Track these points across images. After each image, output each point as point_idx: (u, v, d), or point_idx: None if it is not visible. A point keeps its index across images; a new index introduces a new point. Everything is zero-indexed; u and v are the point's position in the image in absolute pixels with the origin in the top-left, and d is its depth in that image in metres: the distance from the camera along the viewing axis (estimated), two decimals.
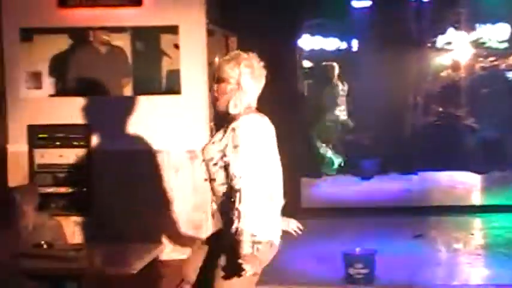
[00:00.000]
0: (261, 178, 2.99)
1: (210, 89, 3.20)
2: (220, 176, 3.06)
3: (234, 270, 2.91)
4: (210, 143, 3.10)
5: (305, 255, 5.95)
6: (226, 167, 3.02)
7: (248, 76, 3.06)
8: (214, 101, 3.10)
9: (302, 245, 6.16)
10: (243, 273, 2.87)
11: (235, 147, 2.97)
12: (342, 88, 10.06)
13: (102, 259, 3.97)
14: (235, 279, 2.95)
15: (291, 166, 7.27)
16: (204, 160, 3.11)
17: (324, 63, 10.34)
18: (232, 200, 2.97)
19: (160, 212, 5.80)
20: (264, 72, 3.16)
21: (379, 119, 9.67)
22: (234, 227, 2.93)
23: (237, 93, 3.04)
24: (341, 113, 9.98)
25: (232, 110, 3.05)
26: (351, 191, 8.71)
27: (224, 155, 3.01)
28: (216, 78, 3.08)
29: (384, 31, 9.87)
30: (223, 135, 3.04)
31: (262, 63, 3.16)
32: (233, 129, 3.00)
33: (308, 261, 5.75)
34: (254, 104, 3.14)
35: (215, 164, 3.05)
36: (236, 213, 2.93)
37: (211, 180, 3.11)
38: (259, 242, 2.95)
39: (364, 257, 5.26)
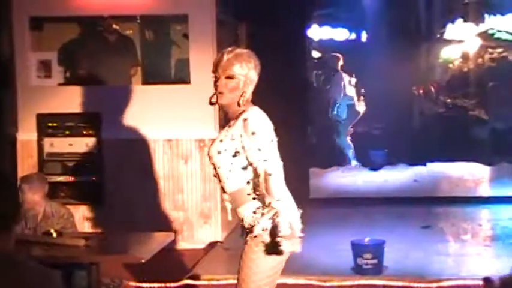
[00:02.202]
0: (279, 162, 3.12)
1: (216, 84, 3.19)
2: (236, 169, 3.12)
3: (271, 251, 3.03)
4: (217, 140, 3.20)
5: (314, 245, 5.93)
6: (241, 158, 3.10)
7: (254, 72, 3.23)
8: (218, 95, 3.20)
9: (311, 235, 6.16)
10: (282, 251, 3.02)
11: (253, 133, 3.07)
12: (349, 79, 10.03)
13: (112, 248, 3.98)
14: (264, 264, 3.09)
15: (300, 156, 7.36)
16: (211, 158, 3.19)
17: (331, 53, 10.30)
18: (257, 185, 3.06)
19: (170, 200, 5.81)
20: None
21: (388, 110, 9.65)
22: (269, 209, 3.02)
23: (246, 88, 3.20)
24: (349, 102, 9.96)
25: (241, 103, 3.19)
26: (360, 182, 8.70)
27: (239, 146, 3.10)
28: (221, 73, 3.18)
29: (393, 22, 9.85)
30: (232, 128, 3.15)
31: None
32: (245, 119, 3.11)
33: (317, 251, 5.75)
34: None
35: (232, 156, 3.12)
36: (270, 194, 3.03)
37: (221, 179, 3.17)
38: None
39: (373, 247, 5.25)
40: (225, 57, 3.19)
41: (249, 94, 3.22)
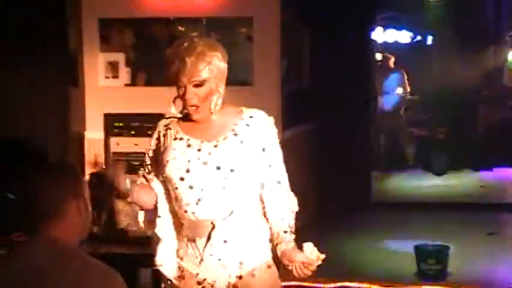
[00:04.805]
0: None
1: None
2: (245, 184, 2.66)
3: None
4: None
5: (377, 249, 5.91)
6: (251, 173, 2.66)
7: (224, 63, 2.67)
8: (190, 109, 2.65)
9: (374, 239, 6.14)
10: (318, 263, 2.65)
11: (275, 139, 2.72)
12: (406, 79, 9.88)
13: None
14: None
15: (362, 160, 7.31)
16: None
17: (395, 55, 10.19)
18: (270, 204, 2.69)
19: None
20: None
21: (453, 114, 9.50)
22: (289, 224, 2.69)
23: (220, 87, 2.67)
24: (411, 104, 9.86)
25: (215, 110, 2.68)
26: (424, 186, 8.58)
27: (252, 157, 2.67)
28: (186, 82, 2.60)
29: (459, 24, 9.69)
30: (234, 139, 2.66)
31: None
32: (244, 119, 2.69)
33: (380, 255, 5.71)
34: None
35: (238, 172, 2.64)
36: (289, 210, 2.71)
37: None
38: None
39: (437, 253, 5.19)
40: (188, 62, 2.57)
41: (223, 92, 2.67)
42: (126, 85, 6.16)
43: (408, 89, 9.80)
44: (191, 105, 2.63)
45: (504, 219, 6.97)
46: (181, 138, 2.70)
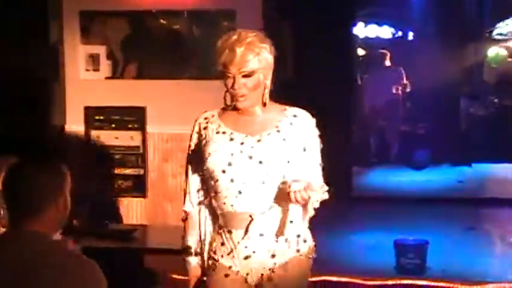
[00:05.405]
0: None
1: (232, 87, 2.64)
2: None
3: None
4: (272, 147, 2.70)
5: (357, 243, 5.94)
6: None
7: (271, 55, 2.72)
8: (239, 98, 2.67)
9: (354, 233, 6.17)
10: None
11: (316, 140, 2.77)
12: (396, 76, 9.94)
13: (159, 239, 4.03)
14: None
15: (343, 154, 7.33)
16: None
17: (377, 51, 10.23)
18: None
19: None
20: None
21: (433, 109, 9.56)
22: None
23: (267, 79, 2.72)
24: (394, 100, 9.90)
25: (266, 101, 2.74)
26: (403, 181, 8.63)
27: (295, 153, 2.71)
28: (235, 72, 2.62)
29: (439, 20, 9.74)
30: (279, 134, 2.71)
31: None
32: (288, 118, 2.74)
33: (360, 250, 5.74)
34: None
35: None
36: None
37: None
38: None
39: (416, 247, 5.22)
40: (237, 52, 2.61)
41: (269, 85, 2.72)
42: (107, 78, 6.13)
43: (406, 86, 9.82)
44: (241, 96, 2.65)
45: (482, 214, 7.03)
46: (224, 132, 2.74)
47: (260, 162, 2.64)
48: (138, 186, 5.88)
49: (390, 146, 9.78)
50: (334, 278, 4.66)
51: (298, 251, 2.75)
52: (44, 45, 5.79)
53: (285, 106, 2.79)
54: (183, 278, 4.89)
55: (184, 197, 2.88)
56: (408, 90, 9.84)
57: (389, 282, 4.89)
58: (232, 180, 2.65)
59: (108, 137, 5.94)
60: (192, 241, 2.82)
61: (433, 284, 4.86)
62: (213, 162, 2.68)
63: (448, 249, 5.66)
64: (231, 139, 2.70)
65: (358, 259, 5.43)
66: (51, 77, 5.93)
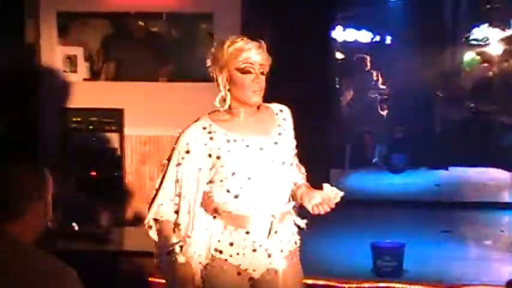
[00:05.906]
0: None
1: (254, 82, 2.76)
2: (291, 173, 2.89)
3: None
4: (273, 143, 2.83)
5: (334, 246, 5.95)
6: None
7: None
8: (257, 94, 2.79)
9: (331, 236, 6.18)
10: None
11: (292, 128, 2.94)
12: (373, 80, 10.00)
13: (135, 242, 4.01)
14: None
15: (321, 157, 7.34)
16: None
17: (355, 55, 10.29)
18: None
19: None
20: None
21: (410, 113, 9.62)
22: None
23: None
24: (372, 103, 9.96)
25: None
26: (381, 185, 8.67)
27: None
28: (257, 70, 2.79)
29: (417, 24, 9.81)
30: (275, 125, 2.86)
31: None
32: (278, 114, 2.91)
33: (336, 252, 5.75)
34: None
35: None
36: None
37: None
38: None
39: (393, 250, 5.25)
40: (263, 51, 2.80)
41: None
42: (85, 79, 6.09)
43: (384, 90, 9.88)
44: (260, 90, 2.78)
45: (458, 217, 7.07)
46: (235, 140, 2.77)
47: (283, 163, 2.79)
48: (115, 189, 5.85)
49: (368, 149, 9.83)
50: (310, 281, 4.65)
51: (295, 242, 2.91)
52: (20, 45, 5.74)
53: (264, 104, 2.89)
54: (159, 281, 4.89)
55: (152, 205, 2.93)
56: (386, 94, 9.90)
57: (366, 285, 4.91)
58: (258, 185, 2.74)
59: (85, 139, 5.90)
60: (178, 242, 2.82)
61: (409, 286, 4.89)
62: (238, 172, 2.73)
63: (425, 252, 5.70)
64: (247, 145, 2.77)
65: (335, 262, 5.44)
66: (28, 79, 5.88)
